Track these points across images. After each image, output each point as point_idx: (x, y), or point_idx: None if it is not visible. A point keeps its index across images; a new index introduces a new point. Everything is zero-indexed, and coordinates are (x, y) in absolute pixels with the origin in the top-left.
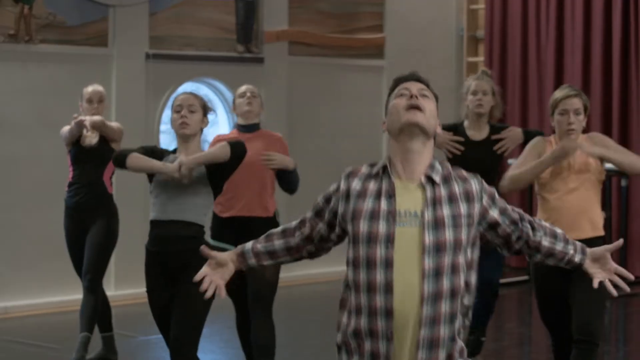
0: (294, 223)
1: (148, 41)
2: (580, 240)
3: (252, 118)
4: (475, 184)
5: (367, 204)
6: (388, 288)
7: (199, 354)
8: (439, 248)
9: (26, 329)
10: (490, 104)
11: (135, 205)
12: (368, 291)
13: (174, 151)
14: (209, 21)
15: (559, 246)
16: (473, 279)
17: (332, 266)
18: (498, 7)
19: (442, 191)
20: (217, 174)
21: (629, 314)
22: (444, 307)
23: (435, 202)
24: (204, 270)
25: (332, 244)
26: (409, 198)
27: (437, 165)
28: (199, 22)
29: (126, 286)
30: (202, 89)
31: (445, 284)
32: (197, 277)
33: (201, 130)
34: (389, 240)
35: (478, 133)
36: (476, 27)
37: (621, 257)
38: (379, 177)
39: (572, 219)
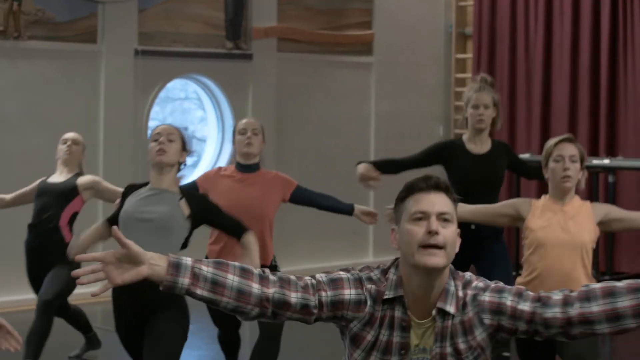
0: (273, 274)
1: (137, 37)
2: None
3: (252, 159)
4: (472, 308)
5: (382, 334)
6: None
7: (187, 349)
8: None
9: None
10: (492, 117)
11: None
12: None
13: (146, 184)
14: (198, 17)
15: (624, 302)
16: None
17: (326, 262)
18: (486, 4)
19: (451, 322)
20: (202, 223)
21: None
22: None
23: (444, 337)
24: (99, 255)
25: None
26: (420, 332)
27: (452, 288)
28: (188, 18)
29: None
30: (191, 86)
31: None
32: (78, 256)
33: (179, 164)
34: None
35: (479, 147)
36: (465, 24)
37: (607, 253)
38: (393, 302)
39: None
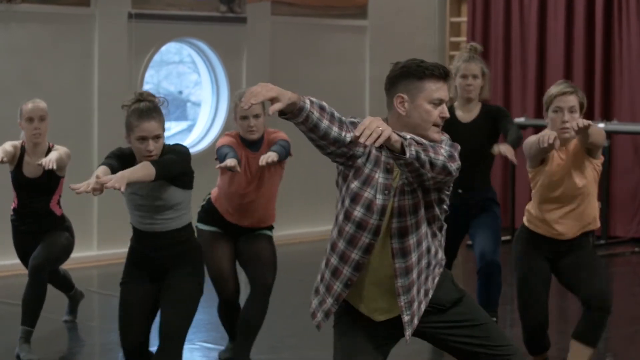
0: (340, 119)
1: (131, 1)
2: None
3: (256, 137)
4: None
5: (369, 170)
6: (368, 250)
7: None
8: (400, 213)
9: (9, 288)
10: (480, 86)
11: None
12: (349, 243)
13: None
14: None
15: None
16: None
17: (314, 226)
18: None
19: None
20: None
21: (612, 273)
22: (414, 257)
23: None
24: None
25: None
26: (396, 171)
27: None
28: None
29: (109, 246)
30: (185, 49)
31: (411, 239)
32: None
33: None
34: (382, 213)
35: (467, 115)
36: None
37: (603, 216)
38: (380, 148)
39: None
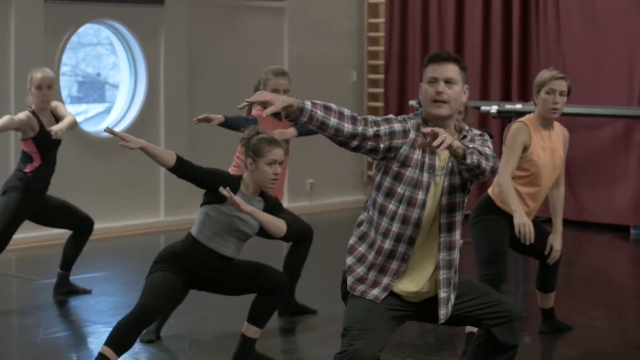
0: (353, 116)
1: None
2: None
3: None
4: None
5: (417, 155)
6: (418, 225)
7: (102, 296)
8: (450, 190)
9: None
10: None
11: None
12: (402, 222)
13: (238, 181)
14: None
15: None
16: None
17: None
18: None
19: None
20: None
21: None
22: (457, 235)
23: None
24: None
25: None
26: (442, 157)
27: (464, 125)
28: None
29: (28, 229)
30: (103, 31)
31: (457, 217)
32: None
33: None
34: (427, 189)
35: None
36: None
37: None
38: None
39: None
